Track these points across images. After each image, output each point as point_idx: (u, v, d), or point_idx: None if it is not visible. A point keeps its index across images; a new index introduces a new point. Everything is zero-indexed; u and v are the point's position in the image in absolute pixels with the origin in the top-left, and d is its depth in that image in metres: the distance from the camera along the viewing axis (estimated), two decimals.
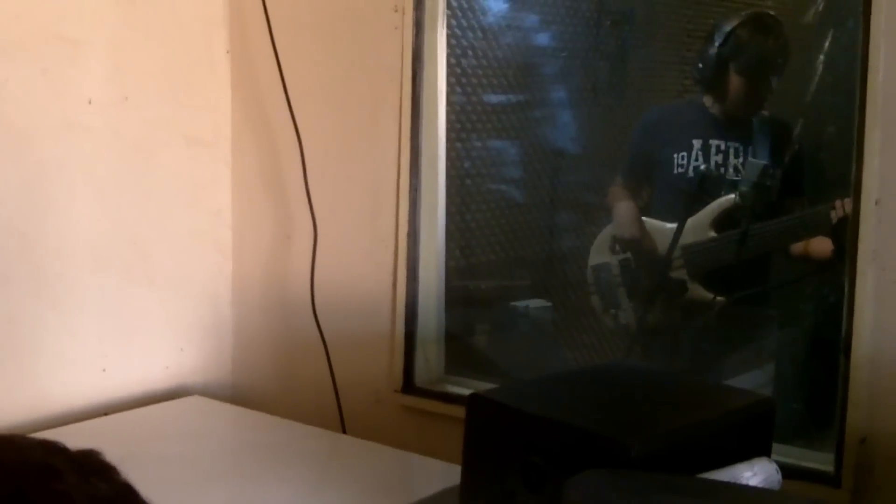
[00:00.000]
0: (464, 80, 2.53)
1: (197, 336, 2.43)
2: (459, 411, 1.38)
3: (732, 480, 1.23)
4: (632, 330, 2.52)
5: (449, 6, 2.19)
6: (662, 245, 2.46)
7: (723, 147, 2.44)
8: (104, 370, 2.22)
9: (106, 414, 2.19)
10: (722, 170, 2.43)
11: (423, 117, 2.13)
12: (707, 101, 2.49)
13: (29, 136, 2.06)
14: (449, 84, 2.21)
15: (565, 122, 2.80)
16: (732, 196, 2.36)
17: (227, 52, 2.40)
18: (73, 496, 0.71)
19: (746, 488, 1.19)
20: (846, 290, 1.62)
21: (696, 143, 2.46)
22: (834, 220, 2.05)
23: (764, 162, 2.34)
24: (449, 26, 2.22)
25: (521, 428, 1.25)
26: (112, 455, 1.92)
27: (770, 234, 2.33)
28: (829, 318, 1.84)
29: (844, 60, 1.85)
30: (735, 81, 2.42)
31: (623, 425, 1.19)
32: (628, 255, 2.53)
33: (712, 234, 2.41)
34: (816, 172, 2.40)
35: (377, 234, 2.20)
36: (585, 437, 1.15)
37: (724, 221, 2.40)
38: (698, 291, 2.40)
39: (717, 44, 2.42)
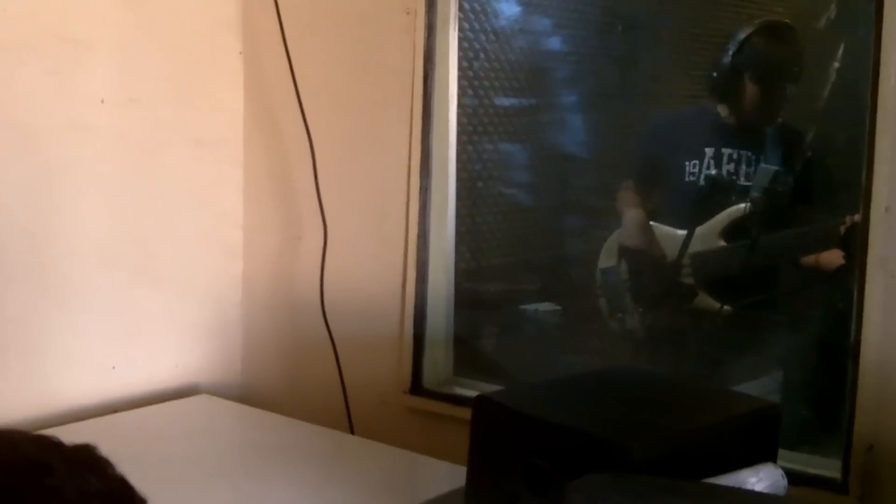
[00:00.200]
0: (475, 83, 2.53)
1: (206, 335, 2.44)
2: (467, 413, 1.38)
3: (737, 486, 1.23)
4: (638, 335, 2.51)
5: (461, 9, 2.20)
6: (671, 251, 2.45)
7: (735, 155, 2.43)
8: (113, 368, 2.23)
9: (115, 412, 2.20)
10: (734, 178, 2.43)
11: (434, 119, 2.14)
12: (721, 109, 2.48)
13: (37, 137, 2.07)
14: (460, 87, 2.22)
15: (576, 126, 2.80)
16: (743, 206, 2.36)
17: (240, 54, 2.41)
18: (63, 490, 0.72)
19: (750, 493, 1.19)
20: (855, 296, 1.62)
21: (709, 151, 2.45)
22: (842, 232, 2.04)
23: (776, 168, 2.34)
24: (461, 29, 2.22)
25: (526, 430, 1.26)
26: (120, 453, 1.93)
27: (779, 246, 2.33)
28: (837, 324, 1.83)
29: (856, 68, 1.85)
30: (750, 90, 2.40)
31: (627, 429, 1.20)
32: (636, 261, 2.53)
33: (722, 243, 2.40)
34: (828, 180, 2.39)
35: (387, 235, 2.21)
36: (589, 441, 1.15)
37: (734, 231, 2.39)
38: (705, 300, 2.39)
39: (731, 52, 2.41)
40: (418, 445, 2.01)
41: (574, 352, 2.53)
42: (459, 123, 2.21)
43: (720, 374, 2.37)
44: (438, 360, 2.24)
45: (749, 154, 2.42)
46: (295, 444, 2.03)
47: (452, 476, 1.69)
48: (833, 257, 2.19)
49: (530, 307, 2.66)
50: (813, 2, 2.58)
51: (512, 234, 2.70)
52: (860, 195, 1.61)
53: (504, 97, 2.63)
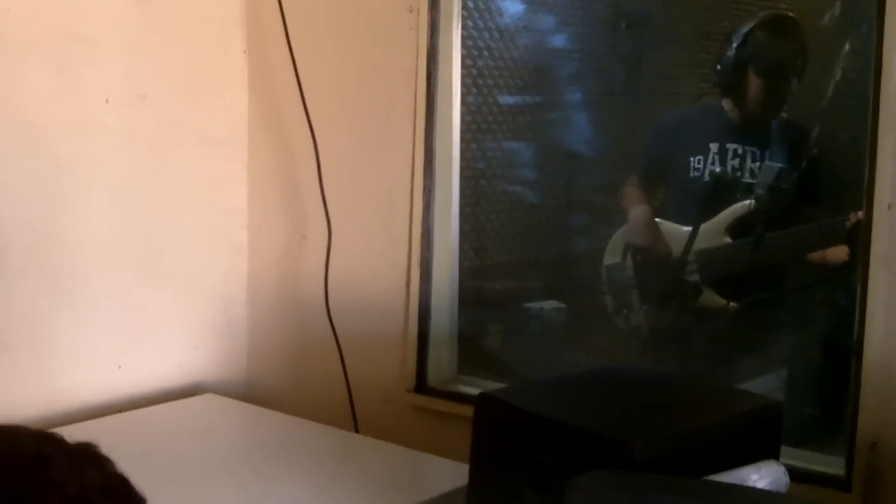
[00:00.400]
0: (479, 81, 2.53)
1: (211, 334, 2.45)
2: (471, 411, 1.38)
3: (739, 483, 1.23)
4: (644, 332, 2.51)
5: (464, 7, 2.20)
6: (677, 248, 2.45)
7: (740, 151, 2.43)
8: (119, 367, 2.24)
9: (120, 411, 2.20)
10: (738, 174, 2.42)
11: (438, 118, 2.14)
12: (726, 104, 2.48)
13: (45, 134, 2.08)
14: (464, 85, 2.22)
15: (580, 123, 2.79)
16: (748, 202, 2.35)
17: (244, 53, 2.41)
18: (64, 484, 0.73)
19: (751, 490, 1.19)
20: (858, 294, 1.62)
21: (713, 147, 2.45)
22: (848, 228, 2.04)
23: (780, 165, 2.33)
24: (464, 27, 2.23)
25: (528, 428, 1.26)
26: (126, 452, 1.94)
27: (785, 243, 2.32)
28: (841, 322, 1.83)
29: (861, 65, 1.84)
30: (754, 83, 2.40)
31: (628, 427, 1.20)
32: (641, 258, 2.53)
33: (727, 239, 2.40)
34: (833, 177, 2.38)
35: (391, 234, 2.21)
36: (590, 438, 1.16)
37: (739, 227, 2.39)
38: (711, 297, 2.39)
39: (735, 45, 2.40)
40: (423, 443, 2.02)
41: (579, 350, 2.53)
42: (464, 122, 2.22)
43: (725, 371, 2.36)
44: (443, 358, 2.24)
45: (754, 150, 2.42)
46: (299, 442, 2.04)
47: (457, 474, 1.69)
48: (840, 253, 2.19)
49: (535, 305, 2.66)
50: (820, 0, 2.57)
51: (517, 231, 2.70)
52: (863, 193, 1.61)
53: (508, 95, 2.63)
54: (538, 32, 2.72)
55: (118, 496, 0.79)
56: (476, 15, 2.56)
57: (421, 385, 2.21)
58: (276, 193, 2.43)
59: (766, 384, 2.29)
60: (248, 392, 2.48)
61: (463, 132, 2.22)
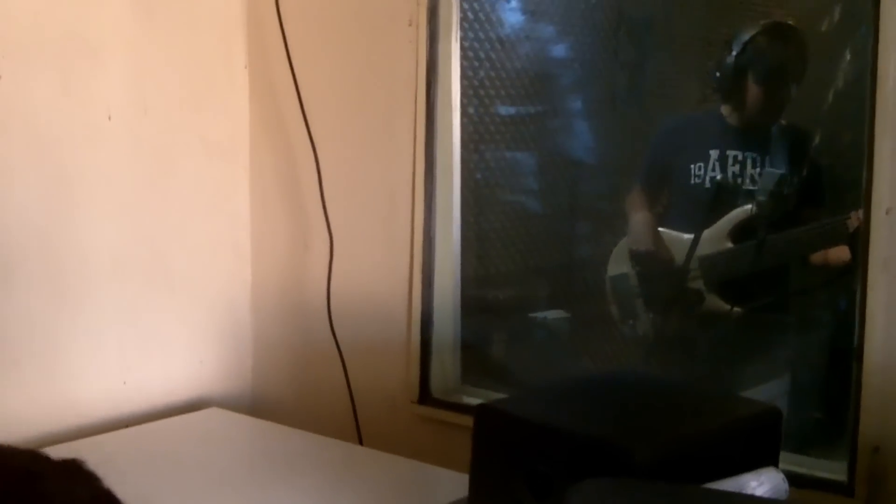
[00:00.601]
0: (481, 92, 2.54)
1: (217, 347, 2.46)
2: None
3: (738, 490, 1.23)
4: (649, 339, 2.51)
5: (464, 18, 2.22)
6: (679, 256, 2.45)
7: (740, 157, 2.43)
8: (125, 383, 2.25)
9: (127, 426, 2.21)
10: (739, 180, 2.42)
11: (438, 128, 2.15)
12: (725, 110, 2.48)
13: (51, 146, 2.10)
14: (465, 95, 2.23)
15: (583, 131, 2.80)
16: (749, 207, 2.35)
17: (245, 67, 2.43)
18: (54, 500, 0.74)
19: (751, 498, 1.19)
20: (858, 298, 1.62)
21: (714, 154, 2.45)
22: (851, 230, 2.04)
23: (781, 171, 2.34)
24: (465, 38, 2.24)
25: (528, 436, 1.26)
26: (132, 467, 1.94)
27: (787, 244, 2.32)
28: (844, 326, 1.83)
29: (860, 69, 1.85)
30: (753, 91, 2.40)
31: (627, 434, 1.20)
32: (645, 266, 2.53)
33: (729, 244, 2.40)
34: (834, 181, 2.38)
35: (393, 243, 2.22)
36: (590, 446, 1.16)
37: (741, 232, 2.39)
38: (715, 302, 2.39)
39: (734, 53, 2.41)
40: (427, 454, 2.02)
41: (584, 358, 2.53)
42: (465, 131, 2.23)
43: (731, 377, 2.36)
44: (446, 368, 2.25)
45: (754, 156, 2.42)
46: (303, 455, 2.04)
47: (460, 484, 1.68)
48: (842, 253, 2.19)
49: (539, 314, 2.66)
50: (818, 4, 2.57)
51: (520, 240, 2.70)
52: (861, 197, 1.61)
53: (509, 104, 2.64)
54: (539, 41, 2.73)
55: None
56: (477, 26, 2.58)
57: (424, 395, 2.21)
58: (278, 204, 2.44)
59: (771, 389, 2.28)
60: (253, 404, 2.49)
61: (465, 142, 2.23)
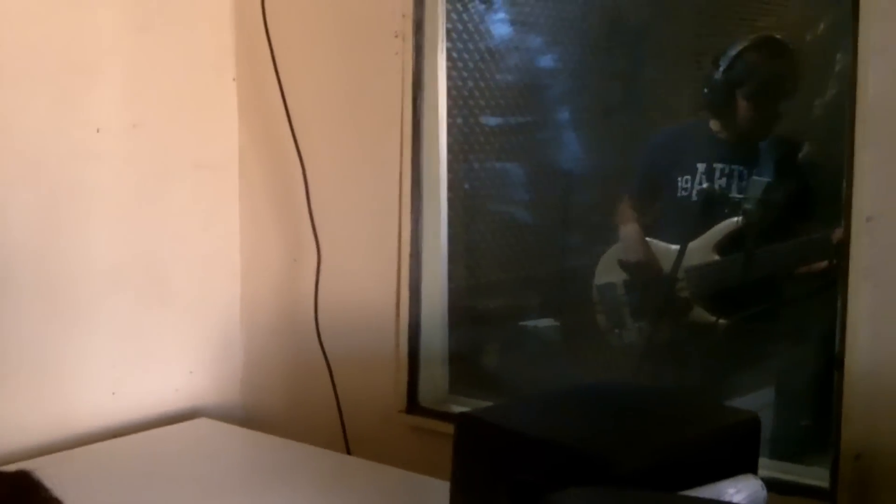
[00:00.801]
0: (470, 103, 2.55)
1: (207, 358, 2.47)
2: None
3: (716, 497, 1.24)
4: (637, 349, 2.52)
5: (451, 30, 2.23)
6: (668, 267, 2.46)
7: (727, 171, 2.44)
8: (113, 394, 2.26)
9: (116, 436, 2.22)
10: (726, 192, 2.43)
11: (424, 140, 2.16)
12: (714, 125, 2.48)
13: (42, 163, 2.11)
14: (453, 107, 2.24)
15: (572, 142, 2.81)
16: (736, 219, 2.36)
17: (234, 80, 2.44)
18: None
19: None
20: (839, 306, 1.63)
21: (700, 167, 2.45)
22: (835, 243, 2.05)
23: (767, 179, 2.35)
24: (451, 50, 2.25)
25: (509, 446, 1.27)
26: (122, 477, 1.95)
27: (773, 257, 2.33)
28: (827, 335, 1.84)
29: (845, 79, 1.86)
30: (742, 106, 2.40)
31: (607, 443, 1.21)
32: (633, 276, 2.54)
33: (716, 257, 2.41)
34: (821, 192, 2.39)
35: (380, 255, 2.23)
36: (570, 455, 1.17)
37: (728, 244, 2.39)
38: (702, 314, 2.40)
39: (722, 68, 2.41)
40: (416, 463, 2.02)
41: (573, 367, 2.53)
42: (453, 143, 2.24)
43: (718, 386, 2.37)
44: (435, 378, 2.25)
45: (741, 169, 2.43)
46: (292, 465, 2.04)
47: (448, 494, 1.70)
48: (826, 268, 2.20)
49: (528, 323, 2.67)
50: (805, 17, 2.58)
51: (509, 251, 2.71)
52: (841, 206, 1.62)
53: (498, 116, 2.66)
54: (527, 52, 2.74)
55: None
56: (466, 37, 2.59)
57: (413, 405, 2.22)
58: (267, 217, 2.45)
59: (758, 398, 2.29)
60: (244, 416, 2.50)
61: (454, 153, 2.24)
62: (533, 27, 2.77)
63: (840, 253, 1.65)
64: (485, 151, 2.62)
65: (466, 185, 2.41)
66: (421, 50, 2.14)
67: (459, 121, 2.32)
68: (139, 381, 2.31)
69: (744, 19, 2.73)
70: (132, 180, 2.27)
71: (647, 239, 2.56)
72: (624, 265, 2.59)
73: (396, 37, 2.15)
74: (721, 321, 2.38)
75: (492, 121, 2.65)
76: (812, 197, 2.37)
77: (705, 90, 2.47)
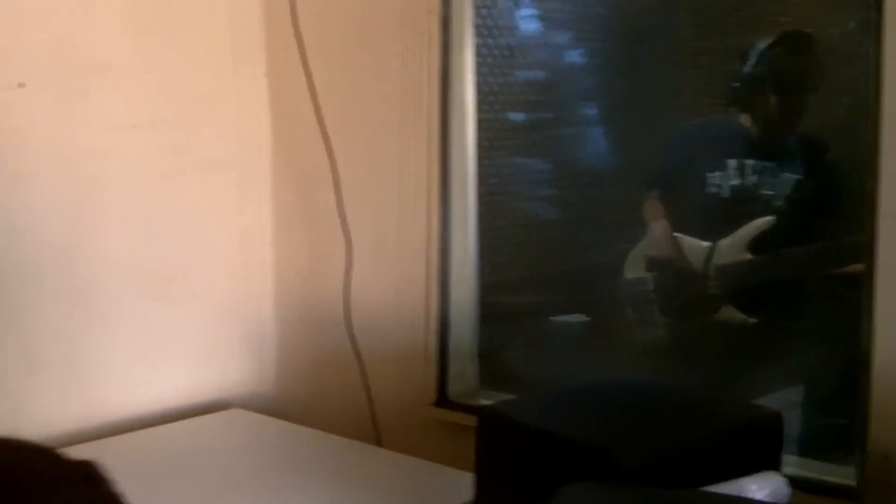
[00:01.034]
0: (494, 99, 2.55)
1: (240, 351, 2.51)
2: None
3: (738, 494, 1.25)
4: (665, 346, 2.52)
5: (478, 26, 2.23)
6: (697, 264, 2.46)
7: (758, 167, 2.43)
8: (149, 383, 2.30)
9: (149, 426, 2.26)
10: (757, 189, 2.42)
11: (452, 136, 2.18)
12: (744, 120, 2.47)
13: (68, 160, 2.15)
14: (479, 103, 2.24)
15: (599, 138, 2.81)
16: (769, 218, 2.35)
17: (265, 76, 2.47)
18: (54, 498, 0.76)
19: (746, 502, 1.20)
20: (864, 306, 1.62)
21: (731, 163, 2.44)
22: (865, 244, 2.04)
23: (798, 176, 2.33)
24: (478, 46, 2.25)
25: (526, 440, 1.28)
26: (153, 466, 1.98)
27: (806, 258, 2.32)
28: (855, 334, 1.83)
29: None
30: (771, 100, 2.39)
31: (619, 438, 1.22)
32: (662, 273, 2.54)
33: (748, 255, 2.40)
34: (852, 191, 2.37)
35: (409, 250, 2.25)
36: (580, 450, 1.18)
37: (759, 243, 2.38)
38: (731, 312, 2.39)
39: (751, 62, 2.40)
40: (445, 456, 2.04)
41: (600, 364, 2.53)
42: (478, 139, 2.24)
43: (746, 384, 2.36)
44: (464, 372, 2.27)
45: (772, 165, 2.41)
46: (323, 455, 2.08)
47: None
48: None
49: (556, 319, 2.67)
50: (834, 12, 2.56)
51: (536, 247, 2.72)
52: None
53: (522, 112, 2.66)
54: (553, 48, 2.74)
55: None
56: (497, 33, 2.59)
57: (442, 399, 2.24)
58: (298, 212, 2.48)
59: (787, 397, 2.28)
60: (277, 407, 2.53)
61: (480, 149, 2.25)
62: (560, 23, 2.77)
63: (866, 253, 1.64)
64: (508, 147, 2.62)
65: (493, 181, 2.41)
66: (448, 46, 2.15)
67: (484, 116, 2.32)
68: (173, 373, 2.36)
69: (768, 14, 2.71)
70: (163, 177, 2.31)
71: (678, 235, 2.55)
72: (652, 261, 2.58)
73: (423, 33, 2.16)
74: (751, 319, 2.37)
75: (517, 116, 2.65)
76: (842, 195, 2.35)
77: (735, 84, 2.45)
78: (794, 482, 1.32)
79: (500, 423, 1.33)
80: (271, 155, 2.50)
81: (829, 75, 2.35)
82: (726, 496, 1.16)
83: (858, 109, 2.18)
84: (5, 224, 2.06)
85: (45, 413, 2.13)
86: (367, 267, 2.33)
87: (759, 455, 1.33)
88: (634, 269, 2.58)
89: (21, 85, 2.04)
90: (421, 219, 2.21)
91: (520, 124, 2.66)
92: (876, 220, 1.59)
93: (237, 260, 2.48)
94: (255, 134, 2.48)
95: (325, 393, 2.45)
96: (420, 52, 2.16)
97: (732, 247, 2.42)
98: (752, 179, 2.42)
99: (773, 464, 1.34)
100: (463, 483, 1.89)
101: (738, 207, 2.41)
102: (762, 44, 2.39)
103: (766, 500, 1.27)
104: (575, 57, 2.78)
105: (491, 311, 2.36)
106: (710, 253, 2.39)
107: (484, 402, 2.23)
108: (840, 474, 1.74)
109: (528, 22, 2.67)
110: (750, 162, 2.42)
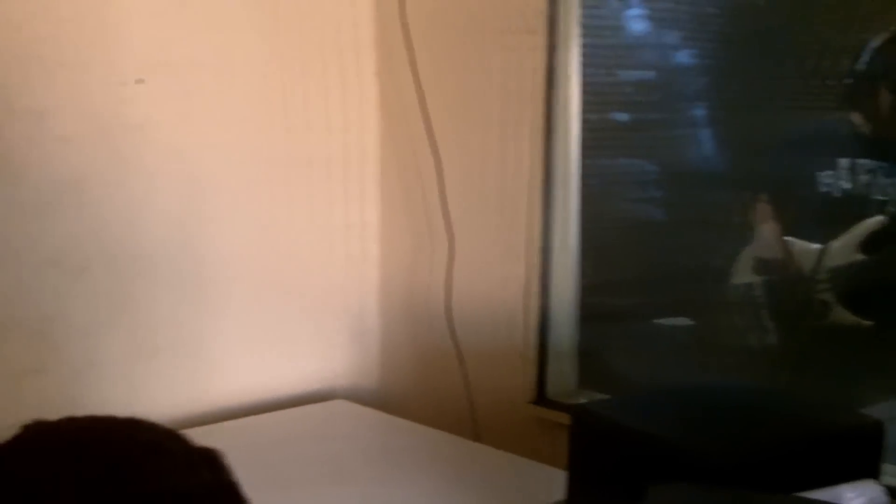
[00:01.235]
0: (599, 98, 2.54)
1: (345, 343, 2.57)
2: None
3: (834, 501, 1.23)
4: (773, 350, 2.47)
5: (584, 26, 2.23)
6: (808, 267, 2.40)
7: (871, 167, 2.36)
8: (256, 372, 2.38)
9: (256, 413, 2.34)
10: (870, 190, 2.36)
11: (556, 135, 2.18)
12: (856, 118, 2.41)
13: (185, 155, 2.24)
14: (585, 102, 2.25)
15: (706, 139, 2.76)
16: (880, 217, 2.29)
17: (375, 75, 2.52)
18: (174, 475, 0.78)
19: None
20: None
21: (843, 162, 2.39)
22: None
23: None
24: (591, 45, 2.25)
25: (618, 438, 1.29)
26: (258, 451, 2.04)
27: None
28: None
29: None
30: (885, 99, 2.33)
31: (713, 439, 1.21)
32: (771, 276, 2.49)
33: (859, 256, 2.34)
34: None
35: (510, 248, 2.27)
36: (672, 449, 1.18)
37: (871, 244, 2.32)
38: (843, 315, 2.33)
39: (865, 60, 2.34)
40: (542, 454, 2.06)
41: (704, 368, 2.50)
42: (586, 138, 2.24)
43: (856, 391, 2.30)
44: (563, 371, 2.28)
45: (885, 166, 2.35)
46: (422, 449, 2.11)
47: None
48: None
49: (659, 322, 2.65)
50: None
51: (640, 248, 2.69)
52: None
53: (629, 112, 2.64)
54: (662, 48, 2.71)
55: (226, 498, 0.81)
56: (606, 33, 2.57)
57: (541, 397, 2.25)
58: (404, 209, 2.52)
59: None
60: (380, 399, 2.58)
61: (583, 148, 2.25)
62: (669, 23, 2.74)
63: None
64: (616, 148, 2.61)
65: (596, 181, 2.40)
66: (554, 45, 2.15)
67: (591, 116, 2.31)
68: (280, 363, 2.43)
69: (880, 12, 2.63)
70: (276, 172, 2.39)
71: (787, 238, 2.50)
72: (761, 264, 2.53)
73: (530, 33, 2.17)
74: (864, 322, 2.31)
75: (623, 117, 2.63)
76: None
77: (847, 82, 2.40)
78: (894, 492, 1.29)
79: (593, 421, 1.33)
80: (378, 151, 2.55)
81: None
82: (820, 502, 1.14)
83: None
84: (124, 217, 2.16)
85: (156, 397, 2.22)
86: (469, 263, 2.36)
87: (858, 463, 1.31)
88: (743, 273, 2.54)
89: (140, 81, 2.13)
90: (523, 217, 2.23)
91: (625, 125, 2.64)
92: None
93: (343, 253, 2.53)
94: (364, 131, 2.53)
95: (426, 386, 2.49)
96: (526, 51, 2.18)
97: (844, 248, 2.36)
98: (863, 179, 2.36)
99: (871, 472, 1.32)
100: (559, 481, 1.90)
101: (849, 208, 2.35)
102: (875, 41, 2.33)
103: None
104: (684, 57, 2.74)
105: (592, 311, 2.35)
106: (821, 255, 2.34)
107: (583, 401, 2.23)
108: None
109: (636, 22, 2.65)
110: (862, 161, 2.36)
